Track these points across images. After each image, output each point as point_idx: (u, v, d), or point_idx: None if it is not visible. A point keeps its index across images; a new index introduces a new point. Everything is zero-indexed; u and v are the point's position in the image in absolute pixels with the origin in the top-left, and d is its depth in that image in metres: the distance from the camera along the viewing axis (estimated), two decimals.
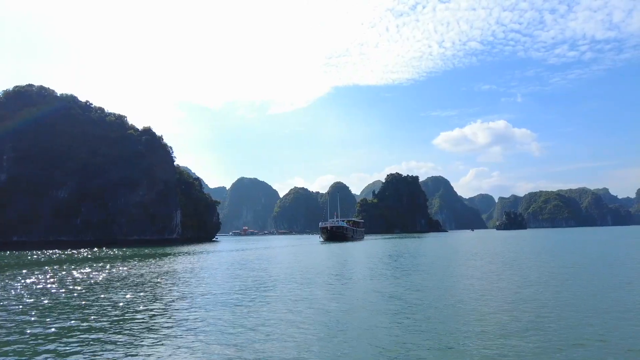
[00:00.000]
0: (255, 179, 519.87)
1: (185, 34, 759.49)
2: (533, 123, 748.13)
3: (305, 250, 47.51)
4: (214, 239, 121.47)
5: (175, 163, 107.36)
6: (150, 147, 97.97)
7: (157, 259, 36.23)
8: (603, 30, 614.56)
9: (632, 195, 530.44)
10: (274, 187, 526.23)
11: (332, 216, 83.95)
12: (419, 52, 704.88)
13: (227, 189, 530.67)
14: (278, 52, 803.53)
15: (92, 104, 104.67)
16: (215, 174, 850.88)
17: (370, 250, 46.03)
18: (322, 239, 78.39)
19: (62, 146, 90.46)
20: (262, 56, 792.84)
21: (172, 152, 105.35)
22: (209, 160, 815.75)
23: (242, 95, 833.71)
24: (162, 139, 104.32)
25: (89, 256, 42.10)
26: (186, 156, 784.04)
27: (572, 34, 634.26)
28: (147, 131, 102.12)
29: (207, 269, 25.53)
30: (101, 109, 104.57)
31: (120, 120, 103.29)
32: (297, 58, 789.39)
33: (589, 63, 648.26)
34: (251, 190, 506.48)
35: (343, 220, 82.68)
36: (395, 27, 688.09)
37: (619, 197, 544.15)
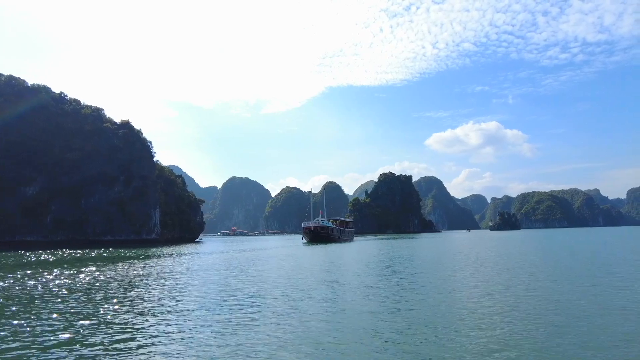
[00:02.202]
0: (247, 178, 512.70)
1: (178, 33, 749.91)
2: (524, 124, 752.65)
3: (284, 253, 42.38)
4: (198, 240, 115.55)
5: (155, 158, 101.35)
6: (127, 141, 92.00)
7: (113, 263, 30.90)
8: (594, 32, 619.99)
9: (623, 196, 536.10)
10: (267, 187, 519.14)
11: (317, 215, 77.55)
12: (412, 53, 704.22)
13: (218, 188, 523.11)
14: (272, 52, 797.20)
15: (66, 96, 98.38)
16: (208, 173, 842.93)
17: (357, 253, 41.07)
18: (305, 240, 71.65)
19: (32, 139, 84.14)
20: (256, 55, 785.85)
21: (152, 147, 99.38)
22: (201, 160, 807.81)
23: (235, 94, 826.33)
24: (141, 133, 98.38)
25: (43, 259, 36.55)
26: (178, 155, 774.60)
27: (564, 36, 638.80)
28: (125, 124, 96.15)
29: (147, 280, 20.31)
30: (77, 101, 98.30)
31: (96, 112, 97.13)
32: (291, 58, 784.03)
33: (580, 65, 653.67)
34: (242, 190, 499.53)
35: (329, 220, 75.82)
36: (389, 28, 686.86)
37: (610, 197, 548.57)
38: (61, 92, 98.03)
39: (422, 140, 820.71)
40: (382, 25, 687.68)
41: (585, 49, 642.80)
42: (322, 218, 74.09)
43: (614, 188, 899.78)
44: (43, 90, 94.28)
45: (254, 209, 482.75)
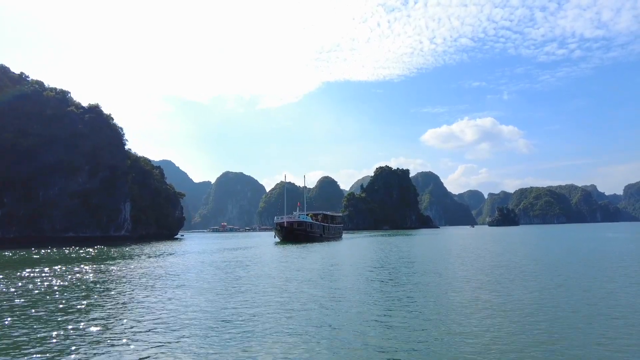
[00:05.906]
0: (241, 173, 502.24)
1: (173, 28, 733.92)
2: (520, 120, 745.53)
3: (250, 255, 33.46)
4: (177, 237, 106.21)
5: (126, 147, 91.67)
6: (94, 126, 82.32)
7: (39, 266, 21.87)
8: (592, 28, 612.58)
9: (619, 192, 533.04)
10: (262, 183, 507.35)
11: (293, 209, 65.29)
12: (410, 48, 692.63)
13: (212, 183, 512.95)
14: (268, 46, 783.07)
15: (28, 77, 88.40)
16: (203, 169, 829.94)
17: (341, 256, 32.22)
18: (277, 239, 59.23)
19: None
20: (252, 50, 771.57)
21: (124, 134, 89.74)
22: (196, 155, 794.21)
23: (231, 89, 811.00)
24: (112, 118, 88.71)
25: None
26: (173, 151, 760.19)
27: (561, 31, 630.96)
28: (93, 109, 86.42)
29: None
30: (39, 83, 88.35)
31: (61, 95, 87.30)
32: (287, 52, 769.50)
33: (577, 61, 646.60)
34: (237, 185, 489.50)
35: (307, 214, 63.32)
36: (386, 23, 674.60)
37: (607, 193, 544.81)
38: (22, 73, 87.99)
39: (418, 136, 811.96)
40: (380, 20, 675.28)
41: (583, 44, 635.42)
42: (299, 212, 61.59)
43: (610, 184, 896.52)
44: (0, 69, 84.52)
45: (248, 204, 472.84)
